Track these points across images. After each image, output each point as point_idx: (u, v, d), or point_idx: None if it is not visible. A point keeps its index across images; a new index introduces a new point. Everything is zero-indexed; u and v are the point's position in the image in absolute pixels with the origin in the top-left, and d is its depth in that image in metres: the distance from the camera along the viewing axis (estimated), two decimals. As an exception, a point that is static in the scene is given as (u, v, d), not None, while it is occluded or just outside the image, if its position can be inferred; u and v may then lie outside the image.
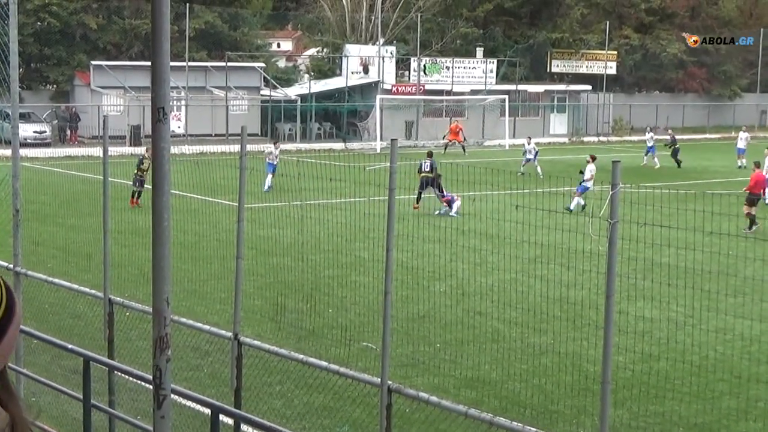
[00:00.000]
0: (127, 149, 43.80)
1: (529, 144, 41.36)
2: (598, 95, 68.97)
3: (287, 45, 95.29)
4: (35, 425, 2.58)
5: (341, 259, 21.25)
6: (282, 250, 21.81)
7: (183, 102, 54.96)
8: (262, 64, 61.08)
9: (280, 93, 59.86)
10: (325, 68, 68.20)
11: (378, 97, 57.49)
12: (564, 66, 71.48)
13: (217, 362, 13.85)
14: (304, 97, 59.46)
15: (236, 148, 11.63)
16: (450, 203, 28.72)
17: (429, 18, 67.96)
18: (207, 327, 12.17)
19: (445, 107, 61.95)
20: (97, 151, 18.97)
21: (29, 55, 55.18)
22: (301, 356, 11.04)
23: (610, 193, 7.98)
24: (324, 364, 10.67)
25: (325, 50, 72.66)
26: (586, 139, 64.71)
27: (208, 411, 8.45)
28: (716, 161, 47.63)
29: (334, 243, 21.09)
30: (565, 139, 64.03)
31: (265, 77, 59.37)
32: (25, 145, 34.81)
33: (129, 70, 54.30)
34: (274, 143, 36.86)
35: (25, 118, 47.29)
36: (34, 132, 49.68)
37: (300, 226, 21.20)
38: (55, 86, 58.96)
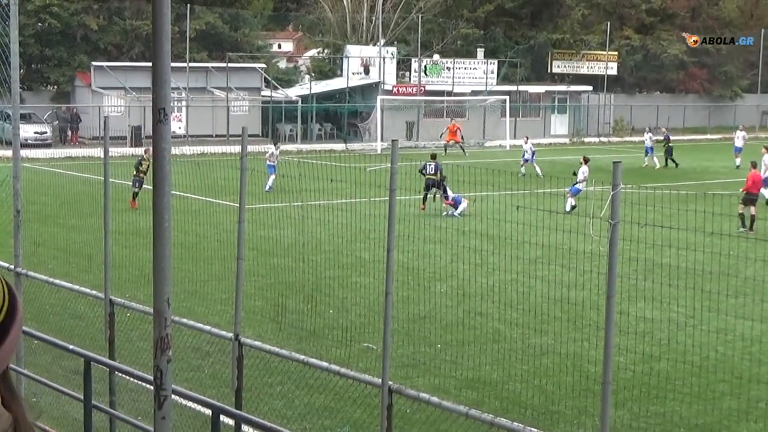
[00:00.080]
0: (128, 150, 43.82)
1: (526, 143, 41.41)
2: (598, 96, 68.96)
3: (288, 46, 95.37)
4: (37, 426, 2.58)
5: (342, 259, 21.25)
6: (283, 250, 21.81)
7: (184, 103, 54.98)
8: (263, 65, 61.09)
9: (280, 94, 59.87)
10: (326, 69, 68.21)
11: (379, 97, 57.50)
12: (565, 67, 71.48)
13: (217, 363, 13.85)
14: (304, 98, 59.46)
15: (237, 148, 11.63)
16: (456, 204, 28.69)
17: (430, 19, 67.97)
18: (208, 328, 12.17)
19: (446, 108, 61.96)
20: (97, 152, 19.02)
21: (30, 55, 55.20)
22: (301, 357, 11.04)
23: (611, 193, 7.98)
24: (325, 364, 10.66)
25: (325, 51, 72.69)
26: (587, 139, 64.71)
27: (208, 411, 8.45)
28: (717, 162, 47.61)
29: (335, 244, 21.10)
30: (566, 140, 64.03)
31: (265, 78, 59.39)
32: (25, 145, 34.80)
33: (130, 71, 54.32)
34: (275, 144, 36.94)
35: (26, 118, 47.30)
36: (35, 133, 49.69)
37: (301, 226, 21.20)
38: (55, 87, 58.98)
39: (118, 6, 58.79)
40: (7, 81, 13.02)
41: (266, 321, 16.66)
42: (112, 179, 13.11)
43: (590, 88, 69.16)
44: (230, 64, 57.31)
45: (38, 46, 56.29)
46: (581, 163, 31.26)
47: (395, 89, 61.54)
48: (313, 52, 78.77)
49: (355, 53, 62.87)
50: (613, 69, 70.34)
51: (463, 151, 49.95)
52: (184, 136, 51.34)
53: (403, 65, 65.70)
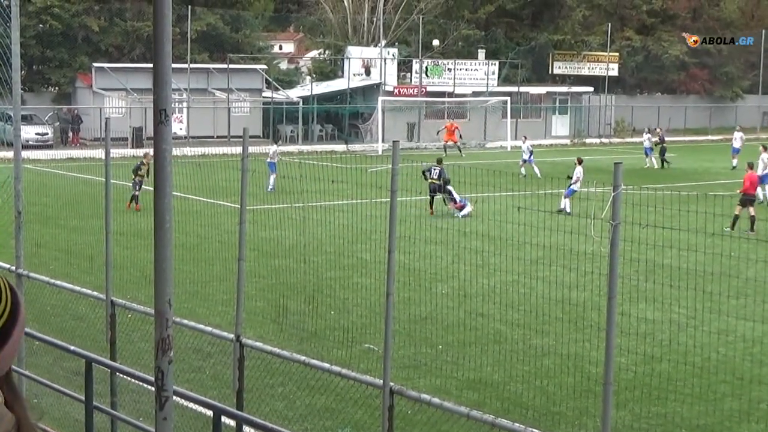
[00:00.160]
0: (129, 151, 43.84)
1: (524, 143, 41.49)
2: (599, 97, 68.98)
3: (289, 47, 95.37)
4: (38, 427, 2.59)
5: (343, 260, 21.25)
6: (284, 251, 21.81)
7: (185, 104, 55.01)
8: (264, 66, 61.10)
9: (281, 95, 59.88)
10: (327, 70, 68.23)
11: (380, 98, 57.53)
12: (566, 68, 71.47)
13: (219, 364, 13.85)
14: (305, 99, 59.48)
15: (238, 150, 11.62)
16: (461, 207, 28.65)
17: (431, 20, 67.97)
18: (209, 329, 12.17)
19: (447, 109, 61.97)
20: (98, 153, 19.00)
21: (31, 57, 55.23)
22: (303, 358, 11.03)
23: (612, 194, 7.97)
24: (326, 365, 10.66)
25: (326, 52, 72.72)
26: (588, 140, 64.70)
27: (210, 412, 8.45)
28: (718, 163, 47.59)
29: (336, 245, 21.09)
30: (567, 141, 64.03)
31: (266, 79, 59.40)
32: (27, 147, 34.87)
33: (131, 72, 54.32)
34: (275, 143, 37.22)
35: (27, 120, 47.32)
36: (36, 134, 49.72)
37: (302, 227, 21.21)
38: (57, 88, 59.00)
39: (119, 7, 58.80)
40: (8, 82, 13.02)
41: (267, 322, 16.66)
42: (113, 180, 13.11)
43: (591, 89, 69.17)
44: (231, 66, 57.32)
45: (39, 48, 56.32)
46: (575, 164, 31.34)
47: (396, 90, 61.56)
48: (314, 53, 78.79)
49: (356, 54, 62.89)
50: (614, 70, 70.35)
51: (460, 152, 50.01)
52: (185, 138, 51.36)
53: (404, 66, 65.71)
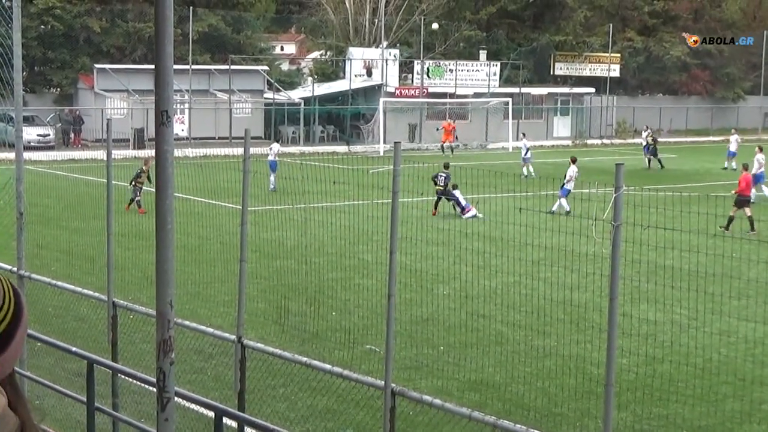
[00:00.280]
0: (131, 152, 43.88)
1: (520, 141, 41.61)
2: (601, 98, 68.98)
3: (290, 48, 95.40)
4: (41, 428, 2.59)
5: (345, 261, 21.24)
6: (285, 252, 21.81)
7: (186, 105, 55.04)
8: (266, 67, 61.11)
9: (283, 96, 59.90)
10: (329, 71, 68.26)
11: (381, 99, 57.53)
12: (567, 69, 71.47)
13: (220, 365, 13.85)
14: (307, 100, 59.49)
15: (239, 151, 11.63)
16: (465, 210, 28.62)
17: (432, 21, 67.97)
18: (210, 330, 12.17)
19: (449, 110, 61.98)
20: (100, 154, 19.04)
21: (33, 58, 55.25)
22: (304, 359, 11.03)
23: (614, 195, 7.97)
24: (327, 366, 10.66)
25: (328, 53, 72.76)
26: (589, 141, 64.69)
27: (211, 414, 8.45)
28: (719, 164, 47.56)
29: (338, 246, 21.09)
30: (569, 142, 64.00)
31: (268, 80, 59.42)
32: (28, 148, 34.88)
33: (132, 73, 54.33)
34: (277, 141, 37.43)
35: (29, 121, 47.36)
36: (38, 135, 49.73)
37: (303, 228, 21.22)
38: (58, 89, 59.02)
39: (121, 8, 58.82)
40: (9, 83, 13.03)
41: (269, 323, 16.65)
42: (114, 182, 13.11)
43: (593, 90, 69.18)
44: (233, 67, 57.33)
45: (41, 49, 56.31)
46: (569, 164, 31.46)
47: (398, 91, 61.57)
48: (315, 54, 78.86)
49: (357, 55, 62.91)
50: (615, 71, 70.35)
51: (452, 151, 50.17)
52: (187, 139, 51.37)
53: (405, 67, 65.71)
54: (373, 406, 11.47)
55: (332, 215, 19.62)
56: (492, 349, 15.43)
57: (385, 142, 52.09)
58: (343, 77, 63.64)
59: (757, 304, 15.88)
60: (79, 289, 14.01)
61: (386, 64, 61.36)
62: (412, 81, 64.26)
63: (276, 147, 35.77)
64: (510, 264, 17.74)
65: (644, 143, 48.04)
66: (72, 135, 54.23)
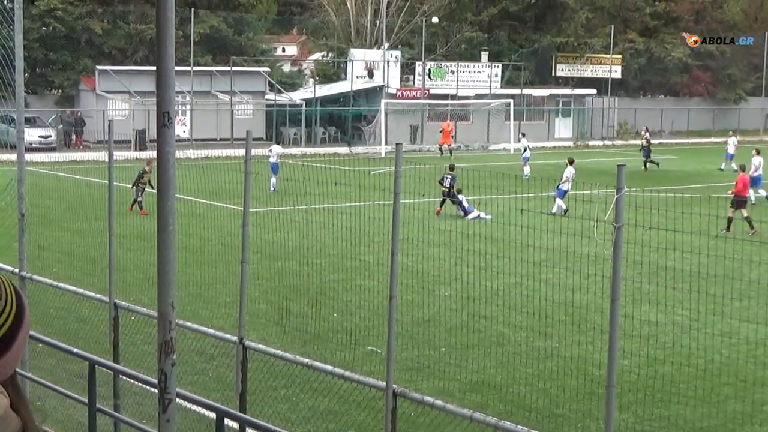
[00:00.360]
0: (132, 154, 43.89)
1: (519, 142, 41.63)
2: (603, 99, 68.95)
3: (292, 49, 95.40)
4: (42, 429, 2.60)
5: (346, 263, 21.23)
6: (287, 254, 21.81)
7: (188, 106, 55.04)
8: (267, 69, 61.11)
9: (284, 97, 59.90)
10: (330, 72, 68.26)
11: (383, 101, 57.53)
12: (569, 70, 71.47)
13: (222, 366, 13.85)
14: (309, 102, 59.49)
15: (241, 152, 11.63)
16: (468, 212, 28.61)
17: (432, 14, 67.90)
18: (212, 331, 12.17)
19: (450, 111, 61.96)
20: (102, 156, 19.05)
21: (34, 59, 55.26)
22: (306, 360, 11.03)
23: (615, 196, 7.97)
24: (329, 368, 10.66)
25: (329, 54, 72.75)
26: (591, 143, 64.66)
27: (213, 415, 8.45)
28: (721, 165, 47.52)
29: (339, 247, 21.07)
30: (570, 143, 63.97)
31: (270, 81, 59.42)
32: (30, 149, 34.84)
33: (134, 75, 54.34)
34: (278, 143, 37.43)
35: (31, 122, 47.33)
36: (40, 137, 49.75)
37: (305, 230, 21.20)
38: (60, 91, 59.03)
39: (123, 10, 58.83)
40: (11, 85, 13.03)
41: (270, 324, 16.65)
42: (116, 183, 13.11)
43: (594, 91, 69.16)
44: (234, 68, 57.33)
45: (43, 50, 56.34)
46: (567, 165, 31.54)
47: (399, 93, 61.57)
48: (317, 55, 78.84)
49: (359, 57, 62.91)
50: (617, 72, 70.33)
51: (450, 153, 50.14)
52: (189, 140, 51.36)
53: (407, 69, 65.70)
54: (374, 407, 11.46)
55: (334, 216, 19.59)
56: (493, 350, 15.43)
57: (386, 143, 52.08)
58: (345, 78, 63.64)
59: (758, 306, 15.88)
60: (80, 290, 14.01)
61: (388, 66, 61.36)
62: (414, 82, 64.26)
63: (276, 149, 35.65)
64: (511, 265, 17.74)
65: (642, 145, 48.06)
66: (73, 136, 54.25)
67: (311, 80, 67.28)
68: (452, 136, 53.64)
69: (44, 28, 56.43)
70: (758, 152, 34.71)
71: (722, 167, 45.72)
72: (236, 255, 13.17)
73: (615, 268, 8.04)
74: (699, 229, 12.30)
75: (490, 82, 64.09)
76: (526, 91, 65.83)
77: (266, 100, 59.35)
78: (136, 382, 10.68)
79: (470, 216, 28.24)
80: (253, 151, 11.26)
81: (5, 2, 12.91)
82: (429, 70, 63.31)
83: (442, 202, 29.33)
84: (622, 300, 8.52)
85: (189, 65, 54.47)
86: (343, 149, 53.68)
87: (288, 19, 77.72)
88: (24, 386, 11.19)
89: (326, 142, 59.14)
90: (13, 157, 13.64)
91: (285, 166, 34.26)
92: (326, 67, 69.94)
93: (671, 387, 13.54)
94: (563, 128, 67.51)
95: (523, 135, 44.26)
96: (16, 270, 13.31)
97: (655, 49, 73.70)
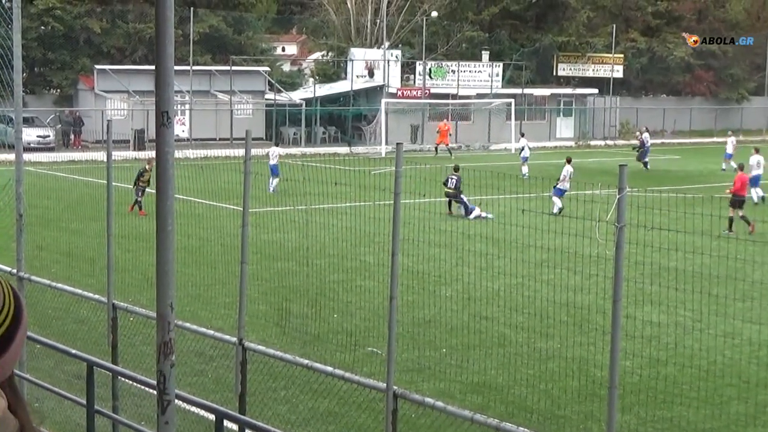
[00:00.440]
0: (131, 153, 43.86)
1: (519, 142, 41.64)
2: (604, 99, 68.90)
3: (292, 49, 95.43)
4: (39, 431, 2.56)
5: (346, 263, 21.18)
6: (287, 254, 21.77)
7: (187, 106, 55.00)
8: (267, 68, 61.07)
9: (284, 97, 59.87)
10: (330, 72, 68.25)
11: (383, 100, 57.49)
12: (570, 69, 71.43)
13: (221, 367, 13.80)
14: (308, 101, 59.47)
15: (240, 152, 11.58)
16: (470, 211, 28.56)
17: (434, 21, 67.96)
18: (211, 332, 12.12)
19: (451, 111, 61.95)
20: (100, 156, 18.99)
21: (33, 59, 55.21)
22: (306, 361, 10.99)
23: (617, 197, 7.92)
24: (329, 369, 10.61)
25: (330, 54, 72.75)
26: (592, 142, 64.64)
27: (212, 416, 8.40)
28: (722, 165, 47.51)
29: (339, 247, 21.02)
30: (572, 143, 63.93)
31: (269, 81, 59.39)
32: (28, 149, 34.83)
33: (133, 74, 54.30)
34: (276, 144, 37.42)
35: (29, 122, 47.34)
36: (38, 136, 49.70)
37: (305, 230, 21.15)
38: (58, 90, 58.98)
39: (121, 9, 58.81)
40: (9, 84, 12.98)
41: (270, 325, 16.61)
42: (114, 183, 13.06)
43: (596, 90, 69.13)
44: (234, 68, 57.30)
45: (41, 50, 56.27)
46: (565, 164, 31.58)
47: (400, 92, 61.56)
48: (317, 55, 78.87)
49: (359, 56, 62.89)
50: (618, 72, 70.26)
51: (449, 153, 50.07)
52: (188, 140, 51.34)
53: (407, 68, 65.67)
54: (375, 408, 11.41)
55: (334, 217, 19.57)
56: (495, 351, 15.37)
57: (386, 143, 52.05)
58: (345, 78, 63.62)
59: (761, 306, 15.83)
60: (79, 291, 13.97)
61: (388, 65, 61.34)
62: (414, 82, 64.23)
63: (275, 150, 35.44)
64: (513, 266, 17.69)
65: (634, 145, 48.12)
66: (72, 136, 54.20)
67: (311, 80, 67.26)
68: (450, 135, 53.53)
69: (42, 27, 56.38)
70: (757, 151, 34.71)
71: (723, 168, 45.75)
72: (236, 255, 13.12)
73: (617, 269, 7.99)
74: (701, 230, 12.24)
75: (491, 81, 64.06)
76: (527, 90, 65.81)
77: (266, 99, 59.31)
78: (135, 384, 10.64)
79: (472, 215, 28.19)
80: (253, 151, 11.20)
81: (3, 1, 12.86)
82: (430, 69, 63.29)
83: (450, 203, 29.31)
84: (624, 301, 8.46)
85: (188, 65, 54.43)
86: (344, 149, 53.65)
87: (288, 18, 77.69)
88: (22, 387, 11.12)
89: (326, 141, 59.12)
90: (11, 156, 13.59)
91: (285, 166, 34.25)
92: (326, 67, 69.94)
93: (674, 388, 13.49)
94: (565, 128, 67.48)
95: (523, 135, 44.22)
96: (14, 270, 13.26)
97: (657, 48, 73.67)
